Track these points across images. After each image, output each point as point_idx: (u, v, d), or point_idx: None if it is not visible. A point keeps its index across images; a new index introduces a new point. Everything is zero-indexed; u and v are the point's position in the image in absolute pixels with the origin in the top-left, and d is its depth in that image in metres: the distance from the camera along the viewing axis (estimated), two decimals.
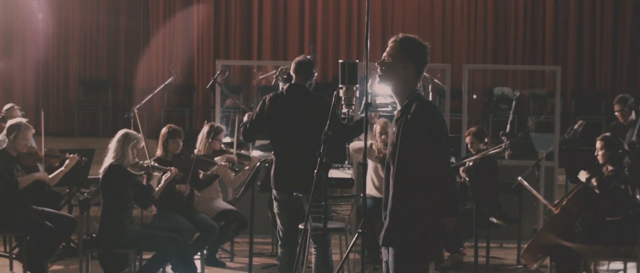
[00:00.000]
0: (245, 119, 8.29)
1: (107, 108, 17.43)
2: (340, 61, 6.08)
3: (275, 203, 8.04)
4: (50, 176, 9.39)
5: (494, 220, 9.56)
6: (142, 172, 8.91)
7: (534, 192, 9.35)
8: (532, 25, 17.50)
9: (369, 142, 9.79)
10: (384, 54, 5.39)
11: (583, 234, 8.45)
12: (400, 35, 5.41)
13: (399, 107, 5.42)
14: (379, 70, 5.38)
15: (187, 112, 17.02)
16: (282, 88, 8.10)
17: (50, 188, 9.69)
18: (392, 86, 5.40)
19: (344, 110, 6.23)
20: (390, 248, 5.35)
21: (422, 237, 5.26)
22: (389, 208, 5.28)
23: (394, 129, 5.33)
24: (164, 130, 9.54)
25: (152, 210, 9.42)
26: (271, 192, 8.12)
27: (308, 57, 8.11)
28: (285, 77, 8.09)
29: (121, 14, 17.74)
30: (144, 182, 8.87)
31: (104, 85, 17.65)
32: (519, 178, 9.32)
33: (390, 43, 5.40)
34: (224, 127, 10.42)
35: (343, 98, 6.08)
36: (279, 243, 8.09)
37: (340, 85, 6.07)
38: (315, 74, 8.06)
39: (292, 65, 7.99)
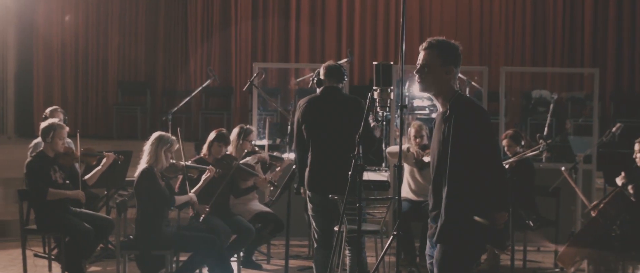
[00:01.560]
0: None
1: (145, 110, 17.51)
2: (374, 63, 6.08)
3: (310, 205, 8.06)
4: (88, 176, 9.46)
5: (531, 223, 9.52)
6: (178, 173, 8.96)
7: (574, 185, 9.32)
8: (571, 27, 17.37)
9: (405, 146, 9.80)
10: (421, 61, 5.37)
11: (620, 238, 8.40)
12: (433, 40, 5.40)
13: (440, 109, 5.43)
14: (418, 78, 5.37)
15: (224, 115, 17.06)
16: (317, 91, 8.14)
17: (89, 190, 9.76)
18: (433, 91, 5.40)
19: (379, 112, 6.24)
20: (439, 246, 5.35)
21: (476, 234, 5.29)
22: (444, 206, 5.28)
23: (441, 129, 5.32)
24: (214, 132, 9.62)
25: (189, 212, 9.48)
26: (306, 194, 8.13)
27: (345, 60, 8.12)
28: (315, 80, 8.13)
29: (160, 16, 17.83)
30: (178, 184, 8.94)
31: (142, 87, 17.74)
32: (562, 168, 9.29)
33: (422, 50, 5.38)
34: (253, 128, 10.47)
35: (377, 100, 6.08)
36: (315, 245, 8.11)
37: (374, 87, 6.08)
38: (346, 78, 8.09)
39: (322, 71, 8.05)
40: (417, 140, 10.09)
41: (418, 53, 5.43)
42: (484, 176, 5.25)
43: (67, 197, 9.16)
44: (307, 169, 8.00)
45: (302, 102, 8.05)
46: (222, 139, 9.55)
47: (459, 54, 5.41)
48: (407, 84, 7.70)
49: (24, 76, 17.51)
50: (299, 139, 8.10)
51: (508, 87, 14.11)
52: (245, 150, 10.01)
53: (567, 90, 16.94)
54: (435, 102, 5.47)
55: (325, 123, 7.83)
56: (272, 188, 10.02)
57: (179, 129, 9.41)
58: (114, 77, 17.83)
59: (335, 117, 7.78)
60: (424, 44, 5.40)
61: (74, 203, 9.39)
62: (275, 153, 10.38)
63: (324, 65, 8.06)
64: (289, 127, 12.32)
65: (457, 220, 5.26)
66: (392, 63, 6.17)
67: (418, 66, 5.36)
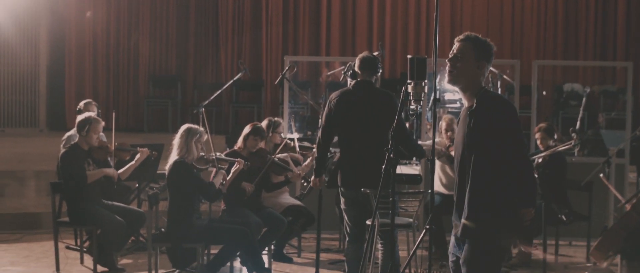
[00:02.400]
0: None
1: (176, 104, 17.54)
2: (408, 57, 6.05)
3: (342, 199, 8.04)
4: (121, 170, 9.50)
5: (564, 217, 9.47)
6: (209, 165, 8.97)
7: (611, 187, 9.27)
8: (603, 20, 17.25)
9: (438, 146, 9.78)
10: (455, 53, 5.35)
11: None
12: (470, 34, 5.40)
13: (466, 103, 5.41)
14: (449, 67, 5.35)
15: (255, 108, 17.07)
16: (349, 85, 8.11)
17: (121, 182, 9.80)
18: (462, 84, 5.38)
19: (412, 105, 6.21)
20: (467, 243, 5.32)
21: (503, 229, 5.27)
22: (469, 202, 5.25)
23: (466, 123, 5.30)
24: (249, 125, 9.64)
25: (221, 205, 9.50)
26: (338, 188, 8.11)
27: (375, 53, 8.07)
28: (350, 73, 8.08)
29: (191, 9, 17.86)
30: (212, 176, 8.93)
31: (173, 81, 17.77)
32: (601, 175, 9.27)
33: (458, 42, 5.38)
34: (282, 121, 10.46)
35: (411, 94, 6.05)
36: (347, 239, 8.09)
37: (408, 81, 6.05)
38: (381, 70, 8.02)
39: (357, 62, 7.98)
40: (449, 133, 10.06)
41: (449, 46, 5.41)
42: (510, 171, 5.23)
43: (106, 175, 9.28)
44: (339, 163, 7.97)
45: (333, 96, 8.02)
46: (258, 133, 9.55)
47: (492, 52, 5.42)
48: (438, 77, 7.63)
49: (56, 69, 17.59)
50: (326, 132, 8.07)
51: (539, 80, 14.02)
52: (274, 143, 10.01)
53: (598, 83, 16.84)
54: (462, 95, 5.45)
55: (356, 117, 7.80)
56: (305, 183, 10.00)
57: (201, 116, 9.42)
58: (145, 71, 17.88)
59: (367, 112, 7.75)
60: (461, 36, 5.41)
61: (106, 195, 9.44)
62: (305, 143, 10.36)
63: (359, 56, 8.01)
64: (320, 120, 12.30)
65: (482, 215, 5.23)
66: (426, 57, 6.14)
67: (451, 56, 5.35)
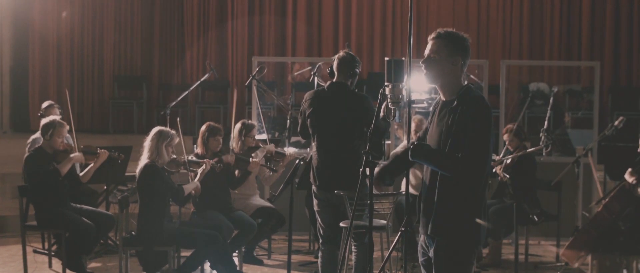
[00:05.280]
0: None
1: (142, 105, 17.44)
2: (386, 59, 6.02)
3: (315, 201, 8.00)
4: (82, 173, 9.42)
5: (535, 217, 9.49)
6: (181, 168, 8.91)
7: (594, 170, 9.35)
8: (568, 20, 17.33)
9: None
10: (428, 51, 5.32)
11: (625, 232, 8.36)
12: (442, 31, 5.35)
13: (443, 98, 5.37)
14: (424, 68, 5.32)
15: (221, 109, 17.00)
16: (323, 86, 8.06)
17: (87, 185, 9.72)
18: (440, 82, 5.34)
19: (391, 107, 6.17)
20: (436, 242, 5.29)
21: (475, 225, 5.24)
22: (438, 198, 5.23)
23: (445, 120, 5.27)
24: (203, 127, 9.54)
25: (190, 208, 9.43)
26: (310, 189, 8.08)
27: (342, 52, 8.01)
28: (328, 72, 8.02)
29: (155, 9, 17.77)
30: (186, 178, 8.87)
31: (138, 81, 17.67)
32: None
33: (431, 40, 5.35)
34: (255, 123, 10.39)
35: (389, 96, 6.02)
36: (320, 241, 8.05)
37: (386, 83, 6.01)
38: (358, 71, 7.94)
39: (335, 62, 7.89)
40: (418, 134, 10.04)
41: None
42: (482, 170, 5.22)
43: (74, 161, 9.23)
44: (313, 165, 7.93)
45: (308, 96, 7.98)
46: (217, 132, 9.49)
47: (467, 45, 5.35)
48: (405, 78, 7.60)
49: (20, 71, 17.45)
50: (304, 131, 8.04)
51: (506, 80, 14.06)
52: (248, 146, 9.93)
53: (564, 83, 16.90)
54: (439, 91, 5.41)
55: (330, 118, 7.76)
56: (268, 172, 9.93)
57: (178, 119, 9.36)
58: (110, 71, 17.77)
59: (341, 113, 7.70)
60: (433, 34, 5.36)
61: (73, 198, 9.35)
62: (277, 149, 10.29)
63: (337, 55, 7.94)
64: (288, 121, 12.26)
65: (454, 211, 5.22)
66: (403, 59, 6.11)
67: (425, 56, 5.32)
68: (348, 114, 7.68)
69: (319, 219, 7.99)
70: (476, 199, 5.24)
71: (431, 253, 5.35)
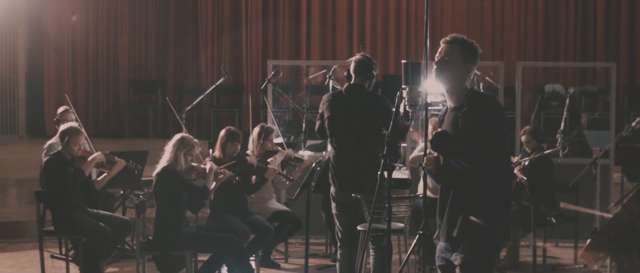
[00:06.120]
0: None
1: (157, 109, 17.47)
2: (403, 61, 6.02)
3: (333, 204, 7.98)
4: (98, 179, 9.39)
5: (553, 219, 9.45)
6: (198, 177, 8.88)
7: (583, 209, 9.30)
8: (583, 21, 17.28)
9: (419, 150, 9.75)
10: (442, 54, 5.34)
11: None
12: (457, 36, 5.41)
13: (451, 104, 5.39)
14: (436, 69, 5.34)
15: (236, 113, 17.01)
16: (341, 89, 8.05)
17: (104, 190, 9.71)
18: (450, 85, 5.37)
19: (408, 110, 6.17)
20: (465, 244, 5.30)
21: (500, 226, 5.30)
22: (461, 203, 5.26)
23: (455, 124, 5.28)
24: (223, 132, 9.48)
25: (206, 212, 9.42)
26: (328, 192, 8.06)
27: (357, 55, 8.00)
28: (345, 75, 8.01)
29: (170, 14, 17.79)
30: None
31: (153, 85, 17.68)
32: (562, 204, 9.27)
33: (445, 44, 5.38)
34: (274, 127, 10.36)
35: (406, 99, 6.02)
36: (338, 244, 8.04)
37: (403, 86, 6.01)
38: (375, 73, 7.92)
39: (352, 64, 7.88)
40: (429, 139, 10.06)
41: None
42: (502, 171, 5.26)
43: (95, 161, 9.14)
44: (331, 167, 7.92)
45: (325, 98, 7.97)
46: (235, 137, 9.44)
47: (478, 55, 5.45)
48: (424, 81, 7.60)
49: (35, 76, 17.52)
50: (322, 132, 8.03)
51: (521, 82, 14.04)
52: (266, 150, 9.90)
53: (579, 84, 16.86)
54: (447, 97, 5.44)
55: (347, 120, 7.75)
56: (284, 180, 9.91)
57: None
58: (125, 76, 17.82)
59: (358, 115, 7.68)
60: (448, 38, 5.41)
61: (90, 203, 9.34)
62: (295, 155, 10.26)
63: (354, 58, 7.93)
64: (304, 124, 12.25)
65: (480, 214, 5.24)
66: (420, 61, 6.10)
67: (439, 57, 5.33)
68: (366, 116, 7.67)
69: (337, 222, 7.98)
70: (502, 197, 5.29)
71: (453, 257, 5.35)
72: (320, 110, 8.01)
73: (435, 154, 5.38)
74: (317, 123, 8.09)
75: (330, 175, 7.94)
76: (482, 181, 5.22)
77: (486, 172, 5.20)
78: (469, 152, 5.19)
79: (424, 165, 5.39)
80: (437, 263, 5.55)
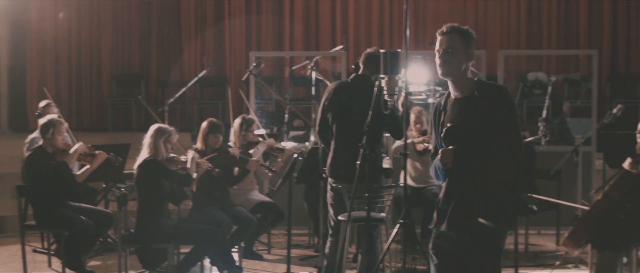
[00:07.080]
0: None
1: (140, 102, 17.41)
2: (381, 51, 6.00)
3: (330, 194, 7.98)
4: (78, 173, 9.36)
5: (534, 207, 9.46)
6: (178, 167, 8.88)
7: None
8: (566, 9, 17.27)
9: (409, 140, 9.79)
10: (444, 46, 5.29)
11: (626, 221, 8.32)
12: (455, 25, 5.36)
13: (457, 94, 5.35)
14: (441, 62, 5.29)
15: (219, 105, 16.95)
16: (347, 78, 8.09)
17: (86, 183, 9.69)
18: (456, 76, 5.32)
19: (387, 99, 6.17)
20: (481, 241, 5.26)
21: (515, 212, 5.32)
22: (482, 188, 5.21)
23: (469, 113, 5.26)
24: (204, 123, 9.48)
25: (189, 204, 9.41)
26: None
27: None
28: (353, 67, 8.05)
29: (153, 7, 17.73)
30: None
31: (136, 79, 17.63)
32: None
33: (445, 35, 5.32)
34: (255, 119, 10.37)
35: (385, 88, 6.01)
36: (330, 232, 8.04)
37: (381, 76, 6.00)
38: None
39: (362, 56, 7.94)
40: (417, 125, 10.09)
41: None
42: (520, 157, 5.25)
43: (78, 152, 9.18)
44: (330, 156, 7.92)
45: (330, 87, 8.01)
46: (217, 129, 9.44)
47: (474, 39, 5.40)
48: (403, 71, 7.61)
49: (17, 71, 17.43)
50: (323, 124, 8.03)
51: (504, 70, 14.06)
52: (248, 141, 9.91)
53: (562, 71, 16.85)
54: (452, 88, 5.38)
55: (352, 110, 7.77)
56: (266, 171, 9.91)
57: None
58: (108, 70, 17.74)
59: (361, 106, 7.64)
60: (444, 29, 5.34)
61: (72, 197, 9.32)
62: (277, 145, 10.26)
63: (365, 51, 7.96)
64: (286, 115, 12.25)
65: (501, 200, 5.21)
66: (399, 51, 6.10)
67: (442, 50, 5.29)
68: (367, 107, 7.66)
69: (331, 211, 8.00)
70: (513, 184, 5.26)
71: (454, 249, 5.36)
72: (323, 100, 8.02)
73: (451, 148, 5.29)
74: (319, 116, 8.10)
75: (327, 164, 7.95)
76: (498, 170, 5.20)
77: (511, 161, 5.20)
78: (497, 142, 5.19)
79: (440, 159, 5.31)
80: (432, 250, 5.47)
